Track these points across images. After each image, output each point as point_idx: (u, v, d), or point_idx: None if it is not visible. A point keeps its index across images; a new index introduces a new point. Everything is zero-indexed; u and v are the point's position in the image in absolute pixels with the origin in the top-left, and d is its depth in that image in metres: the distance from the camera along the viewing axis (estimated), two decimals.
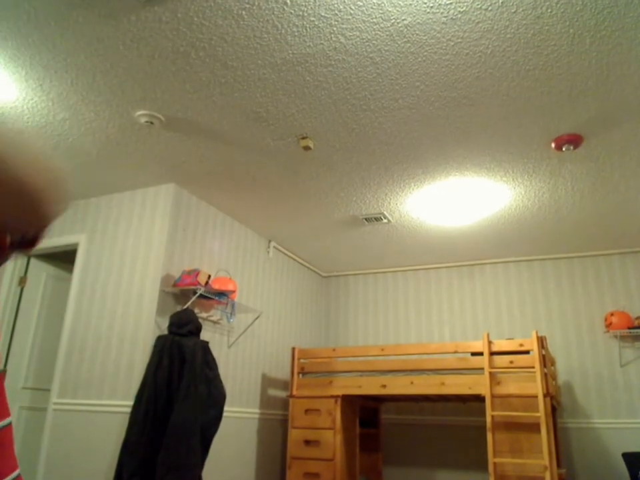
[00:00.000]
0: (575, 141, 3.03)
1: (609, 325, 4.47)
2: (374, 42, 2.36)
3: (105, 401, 3.49)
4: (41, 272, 4.47)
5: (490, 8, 2.16)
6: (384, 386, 4.21)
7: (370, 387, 4.27)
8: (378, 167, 3.53)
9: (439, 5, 2.15)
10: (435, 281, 5.42)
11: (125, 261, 3.83)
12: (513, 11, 2.17)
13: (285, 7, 2.19)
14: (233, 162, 3.54)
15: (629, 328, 4.33)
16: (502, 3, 2.14)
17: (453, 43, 2.37)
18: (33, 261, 4.42)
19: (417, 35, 2.32)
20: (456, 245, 4.92)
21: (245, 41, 2.39)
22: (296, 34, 2.33)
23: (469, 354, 4.24)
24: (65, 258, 4.34)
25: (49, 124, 3.16)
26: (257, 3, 2.17)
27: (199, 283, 3.72)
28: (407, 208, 4.15)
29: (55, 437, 3.57)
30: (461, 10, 2.18)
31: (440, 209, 4.13)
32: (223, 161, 3.53)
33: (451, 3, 2.15)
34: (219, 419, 3.45)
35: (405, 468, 4.90)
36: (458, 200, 3.95)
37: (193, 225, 4.07)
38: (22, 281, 4.35)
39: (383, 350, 4.51)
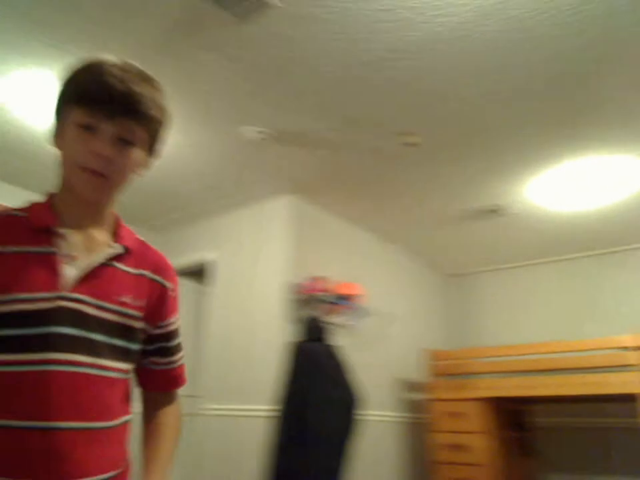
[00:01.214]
0: None
1: None
2: (467, 25, 2.23)
3: (247, 406, 3.68)
4: (184, 288, 4.86)
5: None
6: (529, 387, 3.93)
7: (514, 388, 4.01)
8: (488, 157, 3.33)
9: None
10: (572, 273, 4.94)
11: (255, 272, 4.03)
12: None
13: (372, 4, 2.15)
14: (342, 167, 3.56)
15: None
16: None
17: (554, 12, 2.15)
18: (182, 279, 4.82)
19: (512, 10, 2.14)
20: (591, 232, 4.43)
21: (336, 45, 2.40)
22: (385, 30, 2.29)
23: (622, 349, 3.79)
24: (204, 273, 4.68)
25: (174, 153, 3.44)
26: (342, 5, 2.17)
27: (324, 289, 3.79)
28: (527, 196, 3.85)
29: (206, 441, 3.85)
30: None
31: (565, 194, 3.76)
32: (334, 167, 3.57)
33: None
34: (354, 422, 3.47)
35: (563, 474, 4.51)
36: (586, 182, 3.56)
37: (315, 231, 4.16)
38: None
39: (525, 349, 4.22)
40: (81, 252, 0.94)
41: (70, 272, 0.92)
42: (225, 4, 2.18)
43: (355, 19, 2.24)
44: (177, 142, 3.32)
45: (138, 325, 1.01)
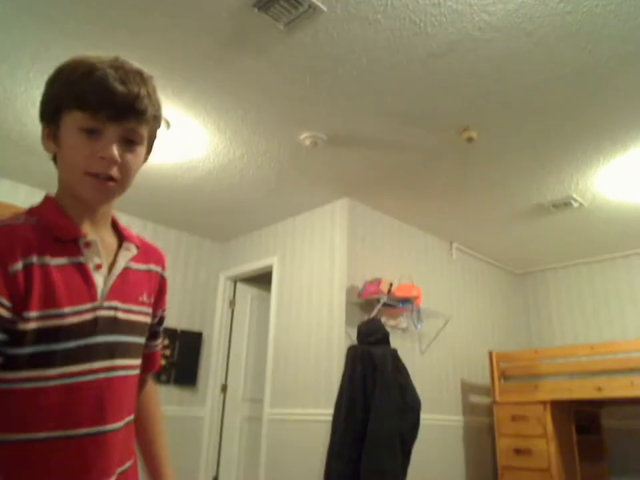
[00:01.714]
0: None
1: None
2: (521, 11, 2.17)
3: (309, 410, 3.70)
4: (246, 294, 4.96)
5: None
6: (599, 389, 3.75)
7: (582, 390, 3.84)
8: (555, 147, 3.21)
9: None
10: None
11: (313, 276, 4.05)
12: None
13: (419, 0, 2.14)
14: (397, 167, 3.53)
15: None
16: None
17: None
18: (239, 284, 4.92)
19: None
20: None
21: (386, 43, 2.39)
22: (435, 24, 2.26)
23: None
24: (264, 279, 4.75)
25: (231, 162, 3.52)
26: (390, 3, 2.16)
27: (382, 292, 3.76)
28: (601, 187, 3.69)
29: (270, 445, 3.88)
30: None
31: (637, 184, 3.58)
32: (388, 167, 3.55)
33: None
34: (416, 426, 3.42)
35: (634, 479, 4.28)
36: None
37: (370, 234, 4.14)
38: (232, 304, 4.87)
39: (593, 349, 4.04)
40: (102, 258, 0.96)
41: (99, 280, 0.94)
42: (272, 14, 2.22)
43: (403, 17, 2.22)
44: (235, 152, 3.40)
45: (150, 319, 1.06)
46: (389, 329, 3.83)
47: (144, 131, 0.96)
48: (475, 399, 4.59)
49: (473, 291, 4.96)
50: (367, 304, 3.89)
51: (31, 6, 2.23)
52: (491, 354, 4.46)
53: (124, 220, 4.53)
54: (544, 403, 3.98)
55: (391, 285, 3.85)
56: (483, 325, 4.95)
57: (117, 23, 2.32)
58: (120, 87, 0.89)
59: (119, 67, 0.91)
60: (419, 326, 4.14)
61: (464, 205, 4.09)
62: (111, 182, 0.92)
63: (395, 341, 3.98)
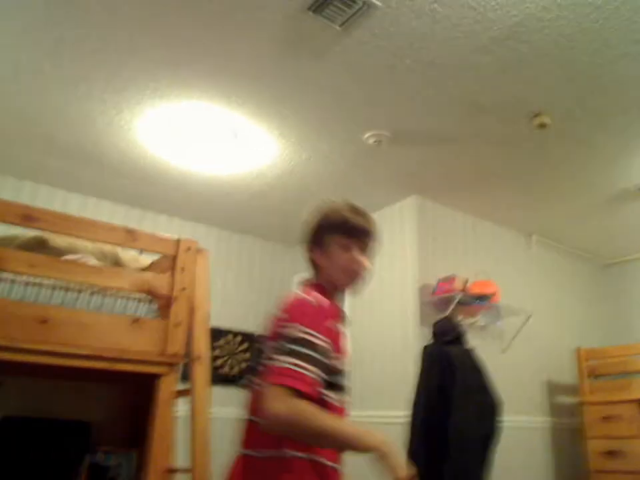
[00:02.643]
0: None
1: None
2: None
3: (385, 412, 3.66)
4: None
5: None
6: None
7: None
8: (636, 125, 2.99)
9: None
10: None
11: (385, 276, 4.01)
12: None
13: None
14: (466, 160, 3.43)
15: None
16: None
17: None
18: None
19: None
20: None
21: (446, 33, 2.33)
22: (496, 7, 2.17)
23: None
24: None
25: (297, 165, 3.56)
26: None
27: (456, 289, 3.66)
28: None
29: None
30: None
31: None
32: (456, 162, 3.45)
33: None
34: (497, 428, 3.29)
35: None
36: None
37: (441, 231, 4.05)
38: None
39: None
40: None
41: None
42: (327, 15, 2.22)
43: (461, 4, 2.16)
44: (300, 156, 3.44)
45: None
46: (465, 328, 3.72)
47: (371, 247, 1.52)
48: (561, 399, 4.36)
49: (556, 285, 4.72)
50: (442, 302, 3.80)
51: (103, 27, 2.36)
52: (578, 351, 4.23)
53: (199, 229, 4.68)
54: (638, 401, 3.72)
55: (466, 282, 3.74)
56: (569, 320, 4.70)
57: (182, 41, 2.41)
58: (365, 224, 1.50)
59: (359, 210, 1.52)
60: (498, 323, 3.99)
61: (542, 195, 3.91)
62: (359, 276, 1.50)
63: (474, 340, 3.86)
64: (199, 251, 2.47)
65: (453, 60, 2.49)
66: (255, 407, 1.30)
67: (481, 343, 3.90)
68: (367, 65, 2.54)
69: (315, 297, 1.36)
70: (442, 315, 3.76)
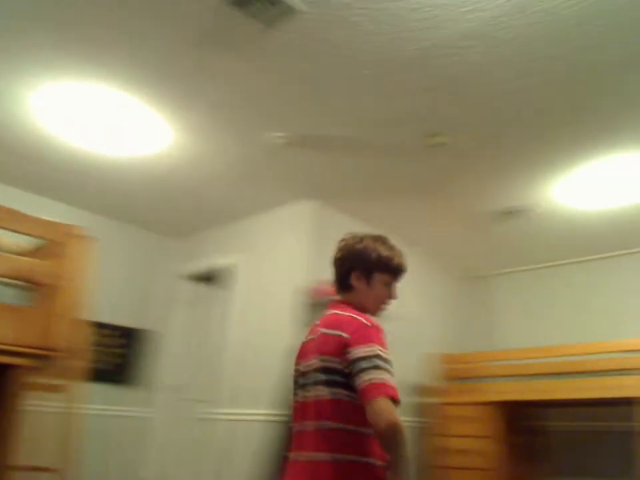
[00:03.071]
0: None
1: None
2: (500, 19, 2.21)
3: (266, 410, 3.68)
4: (201, 292, 4.83)
5: None
6: (541, 391, 3.93)
7: (525, 392, 4.00)
8: (514, 157, 3.33)
9: None
10: (594, 274, 4.92)
11: (271, 276, 4.03)
12: None
13: (398, 3, 2.14)
14: (366, 170, 3.56)
15: None
16: None
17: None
18: (195, 282, 4.80)
19: (548, 1, 2.13)
20: (618, 231, 4.40)
21: (364, 47, 2.39)
22: (414, 29, 2.27)
23: (629, 352, 3.81)
24: (222, 277, 4.69)
25: (194, 158, 3.46)
26: (369, 6, 2.16)
27: (332, 292, 3.80)
28: (553, 195, 3.81)
29: (222, 445, 3.83)
30: None
31: (592, 192, 3.71)
32: (354, 170, 3.57)
33: None
34: None
35: (567, 478, 4.51)
36: (615, 180, 3.51)
37: (334, 236, 4.17)
38: (188, 302, 4.78)
39: (537, 352, 4.23)
40: None
41: None
42: (251, 12, 2.17)
43: (381, 20, 2.22)
44: (201, 147, 3.34)
45: None
46: None
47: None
48: (420, 399, 4.70)
49: (426, 294, 5.06)
50: (321, 305, 3.92)
51: None
52: (438, 356, 4.58)
53: (82, 216, 4.32)
54: (489, 404, 4.10)
55: None
56: (432, 327, 5.07)
57: (96, 20, 2.24)
58: (404, 262, 1.75)
59: (402, 253, 1.76)
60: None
61: (426, 209, 4.16)
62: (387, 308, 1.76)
63: None
64: (83, 238, 2.33)
65: (367, 73, 2.56)
66: (327, 414, 1.52)
67: None
68: (282, 66, 2.53)
69: (367, 319, 1.60)
70: (318, 317, 3.88)
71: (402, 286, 4.98)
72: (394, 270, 1.71)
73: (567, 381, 3.87)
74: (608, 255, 4.83)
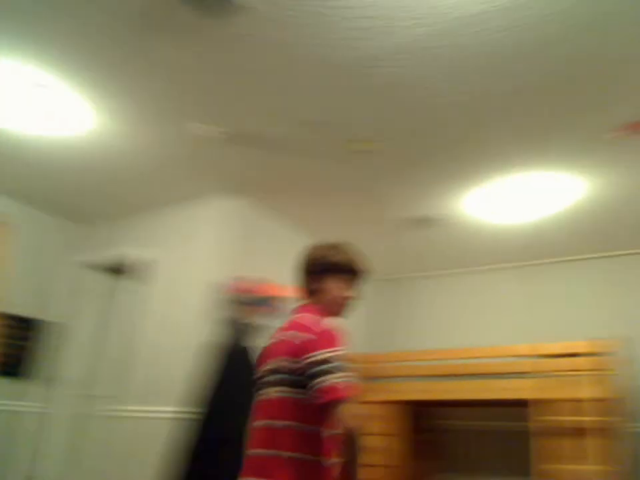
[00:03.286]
0: None
1: None
2: (432, 37, 2.32)
3: (168, 407, 3.57)
4: (105, 283, 4.61)
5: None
6: (443, 391, 4.14)
7: (428, 392, 4.19)
8: (435, 166, 3.48)
9: None
10: (495, 282, 5.25)
11: (187, 271, 3.93)
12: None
13: (344, 12, 2.19)
14: (294, 170, 3.58)
15: None
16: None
17: (517, 29, 2.29)
18: (98, 273, 4.58)
19: (476, 26, 2.27)
20: (519, 244, 4.72)
21: (301, 50, 2.41)
22: (349, 39, 2.33)
23: (520, 357, 4.13)
24: (129, 269, 4.48)
25: (118, 144, 3.32)
26: (305, 9, 2.18)
27: (251, 290, 3.77)
28: (465, 207, 4.06)
29: (119, 442, 3.68)
30: None
31: (502, 207, 3.99)
32: (285, 170, 3.58)
33: None
34: None
35: (464, 475, 4.79)
36: (524, 196, 3.79)
37: (254, 233, 4.13)
38: (91, 292, 4.53)
39: (434, 354, 4.44)
40: None
41: None
42: (196, 2, 2.13)
43: (321, 26, 2.26)
44: (127, 134, 3.20)
45: None
46: (253, 328, 3.84)
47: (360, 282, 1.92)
48: None
49: None
50: (235, 301, 3.87)
51: None
52: (349, 355, 4.66)
53: None
54: (395, 403, 4.27)
55: (267, 284, 3.87)
56: (348, 326, 5.14)
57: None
58: (359, 265, 1.89)
59: (355, 254, 1.90)
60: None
61: (350, 211, 4.24)
62: (348, 307, 1.89)
63: (256, 340, 4.00)
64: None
65: (300, 74, 2.59)
66: (274, 413, 1.62)
67: (266, 344, 4.06)
68: (222, 60, 2.50)
69: (327, 322, 1.71)
70: (234, 314, 3.83)
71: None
72: (348, 271, 1.86)
73: (468, 382, 4.10)
74: (513, 264, 5.19)
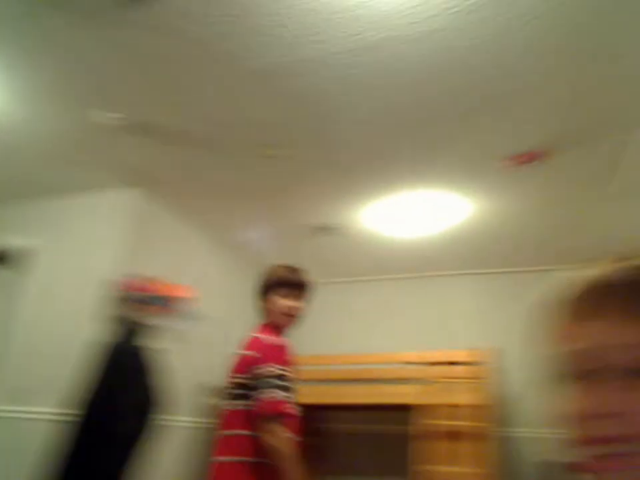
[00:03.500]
0: (534, 158, 3.16)
1: None
2: (345, 54, 2.41)
3: (43, 409, 3.35)
4: None
5: (458, 27, 2.26)
6: (330, 395, 4.25)
7: (316, 395, 4.27)
8: (339, 177, 3.58)
9: (409, 22, 2.23)
10: (386, 292, 5.49)
11: (76, 264, 3.72)
12: (474, 36, 2.28)
13: (249, 19, 2.21)
14: (198, 168, 3.51)
15: None
16: (465, 26, 2.24)
17: (418, 60, 2.45)
18: None
19: (385, 51, 2.39)
20: (410, 257, 4.98)
21: (213, 48, 2.39)
22: (261, 44, 2.36)
23: (407, 364, 4.36)
24: (11, 260, 4.12)
25: (12, 122, 3.08)
26: (220, 11, 2.18)
27: (148, 289, 3.64)
28: (364, 219, 4.20)
29: None
30: (429, 29, 2.27)
31: (398, 221, 4.19)
32: (191, 169, 3.50)
33: (417, 22, 2.23)
34: (154, 428, 3.37)
35: (347, 477, 4.93)
36: (417, 212, 4.02)
37: (153, 229, 3.99)
38: None
39: (328, 360, 4.56)
40: None
41: None
42: None
43: (241, 30, 2.27)
44: (21, 114, 2.98)
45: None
46: (148, 328, 3.72)
47: (305, 294, 2.18)
48: (214, 400, 4.71)
49: (239, 296, 5.09)
50: (127, 299, 3.71)
51: None
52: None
53: None
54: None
55: (161, 282, 3.76)
56: (240, 329, 5.09)
57: None
58: (297, 278, 2.14)
59: (294, 269, 2.15)
60: (180, 327, 4.09)
61: (255, 215, 4.25)
62: (293, 318, 2.13)
63: (152, 340, 3.88)
64: None
65: (214, 75, 2.56)
66: (233, 423, 1.84)
67: (161, 345, 3.94)
68: (129, 47, 2.41)
69: (275, 339, 1.92)
70: (128, 313, 3.68)
71: (210, 286, 4.98)
72: (287, 285, 2.06)
73: (357, 387, 4.24)
74: (405, 275, 5.45)
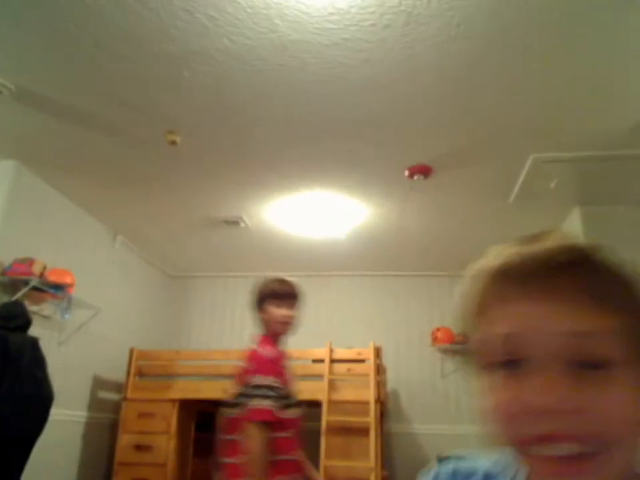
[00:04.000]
0: (424, 171, 3.34)
1: (434, 340, 4.92)
2: (259, 50, 2.39)
3: None
4: None
5: (369, 39, 2.32)
6: (225, 390, 4.18)
7: (209, 391, 4.21)
8: (244, 172, 3.54)
9: (325, 28, 2.26)
10: None
11: None
12: (389, 46, 2.36)
13: (174, 0, 2.13)
14: (90, 146, 3.29)
15: (451, 343, 4.79)
16: (381, 38, 2.31)
17: (332, 66, 2.49)
18: None
19: (301, 52, 2.40)
20: (307, 256, 5.06)
21: (125, 25, 2.26)
22: (180, 28, 2.27)
23: (310, 361, 4.41)
24: None
25: None
26: None
27: (33, 273, 3.40)
28: (266, 215, 4.20)
29: None
30: (344, 37, 2.31)
31: (298, 220, 4.24)
32: (79, 144, 3.27)
33: (335, 29, 2.26)
34: (43, 422, 3.17)
35: None
36: (317, 213, 4.09)
37: (37, 209, 3.71)
38: None
39: (225, 354, 4.49)
40: None
41: None
42: None
43: (152, 8, 2.16)
44: None
45: None
46: (31, 315, 3.47)
47: (296, 303, 2.28)
48: (105, 395, 4.50)
49: (128, 287, 4.89)
50: (12, 284, 3.45)
51: None
52: (131, 351, 4.47)
53: None
54: (172, 401, 4.21)
55: (45, 267, 3.52)
56: (132, 321, 4.92)
57: None
58: (287, 289, 2.25)
59: (283, 281, 2.28)
60: (66, 315, 3.86)
61: (145, 201, 4.07)
62: (289, 326, 2.24)
63: (35, 329, 3.61)
64: None
65: (119, 52, 2.43)
66: (232, 428, 2.05)
67: (42, 333, 3.69)
68: (25, 9, 2.20)
69: (269, 352, 2.11)
70: (9, 298, 3.41)
71: (103, 277, 4.75)
72: (276, 295, 2.20)
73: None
74: (307, 273, 5.48)
